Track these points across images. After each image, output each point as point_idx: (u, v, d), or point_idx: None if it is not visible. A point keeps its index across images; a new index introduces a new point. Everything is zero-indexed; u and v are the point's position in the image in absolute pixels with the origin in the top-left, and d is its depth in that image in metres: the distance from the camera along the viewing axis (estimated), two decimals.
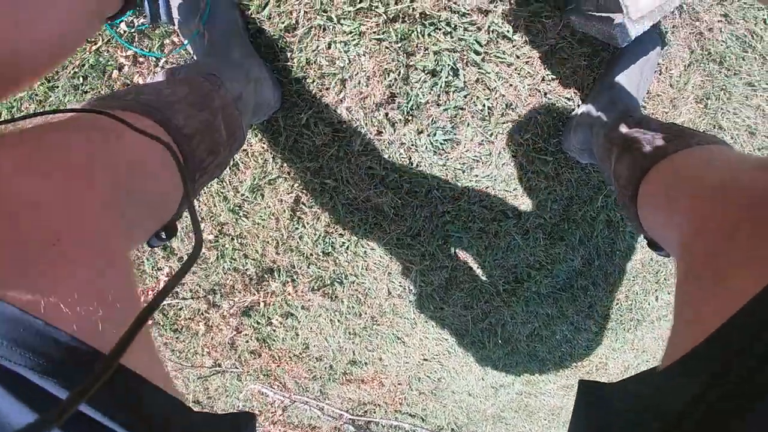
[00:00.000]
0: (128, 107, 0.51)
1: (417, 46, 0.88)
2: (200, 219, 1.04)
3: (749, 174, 0.47)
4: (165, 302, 1.10)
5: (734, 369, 0.31)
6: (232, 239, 1.08)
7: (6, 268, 0.28)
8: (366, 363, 1.29)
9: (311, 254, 1.11)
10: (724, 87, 0.96)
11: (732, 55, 0.93)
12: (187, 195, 0.41)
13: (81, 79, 0.90)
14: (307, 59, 0.89)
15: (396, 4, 0.84)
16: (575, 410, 0.46)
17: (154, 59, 0.87)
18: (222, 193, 1.02)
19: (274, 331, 1.20)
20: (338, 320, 1.21)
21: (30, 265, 0.29)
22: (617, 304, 1.17)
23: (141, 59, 0.87)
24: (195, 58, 0.84)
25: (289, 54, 0.88)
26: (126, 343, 0.24)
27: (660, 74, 0.94)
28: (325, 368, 1.28)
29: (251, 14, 0.85)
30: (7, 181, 0.31)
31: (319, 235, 1.08)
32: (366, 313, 1.20)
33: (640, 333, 1.21)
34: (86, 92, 0.89)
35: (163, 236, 0.53)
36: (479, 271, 1.15)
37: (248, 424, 0.41)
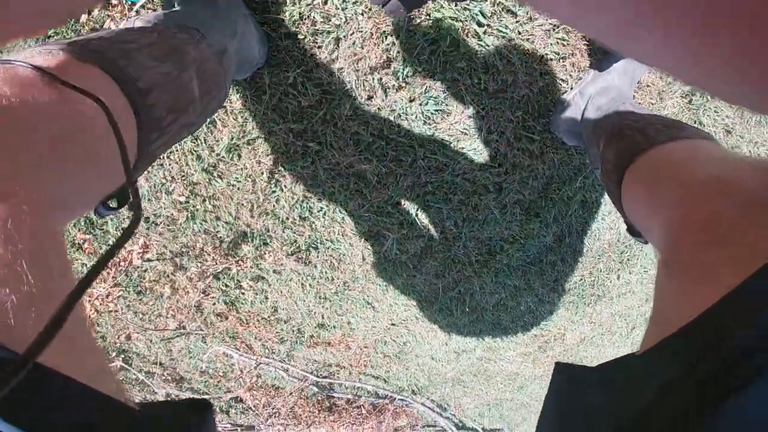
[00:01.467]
0: (72, 52, 0.44)
1: (419, 11, 0.83)
2: (171, 178, 0.96)
3: (737, 172, 0.48)
4: (131, 265, 1.03)
5: (702, 365, 0.32)
6: (204, 200, 1.02)
7: None
8: (334, 327, 1.29)
9: (287, 218, 1.07)
10: None
11: None
12: (125, 161, 0.36)
13: None
14: (300, 14, 0.82)
15: None
16: (551, 390, 0.47)
17: (129, 3, 0.77)
18: (195, 151, 0.95)
19: (243, 294, 1.16)
20: (310, 284, 1.19)
21: None
22: (581, 279, 1.23)
23: (114, 1, 0.77)
24: (176, 6, 0.75)
25: (280, 6, 0.81)
26: (43, 344, 0.20)
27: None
28: (293, 331, 1.27)
29: None
30: None
31: (297, 200, 1.04)
32: (338, 278, 1.19)
33: (599, 308, 1.28)
34: (49, 37, 0.78)
35: (112, 205, 0.47)
36: (454, 242, 1.16)
37: (204, 419, 0.37)
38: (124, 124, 0.44)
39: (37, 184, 0.34)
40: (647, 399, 0.33)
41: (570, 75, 0.93)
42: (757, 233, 0.39)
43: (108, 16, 0.78)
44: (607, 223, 1.14)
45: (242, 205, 1.03)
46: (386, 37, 0.85)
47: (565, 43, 0.89)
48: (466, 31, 0.86)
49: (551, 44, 0.89)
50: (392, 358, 1.39)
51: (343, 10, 0.82)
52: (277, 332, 1.24)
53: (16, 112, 0.35)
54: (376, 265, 1.18)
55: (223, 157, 0.96)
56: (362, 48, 0.86)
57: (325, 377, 1.37)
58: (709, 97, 0.99)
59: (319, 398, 1.46)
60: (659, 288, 0.49)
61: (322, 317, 1.25)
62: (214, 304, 1.16)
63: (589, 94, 0.90)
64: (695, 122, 1.01)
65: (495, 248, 1.17)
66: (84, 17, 0.78)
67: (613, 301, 1.28)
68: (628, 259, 1.20)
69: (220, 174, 0.98)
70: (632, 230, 0.71)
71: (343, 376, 1.40)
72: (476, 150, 1.01)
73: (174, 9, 0.76)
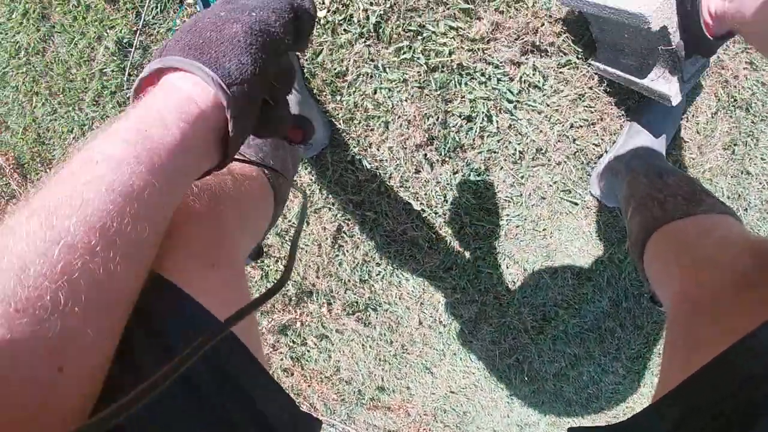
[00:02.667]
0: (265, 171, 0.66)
1: (454, 94, 0.97)
2: None
3: (734, 255, 0.53)
4: None
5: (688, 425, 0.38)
6: (277, 261, 1.17)
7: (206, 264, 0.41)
8: (394, 390, 1.33)
9: (349, 280, 1.19)
10: (751, 133, 0.99)
11: (758, 102, 0.97)
12: (294, 243, 0.52)
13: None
14: (355, 103, 0.99)
15: (436, 56, 0.94)
16: None
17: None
18: None
19: (308, 351, 1.26)
20: (370, 346, 1.27)
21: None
22: (645, 348, 1.18)
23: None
24: None
25: (339, 97, 0.99)
26: (237, 318, 0.33)
27: (687, 121, 0.99)
28: (354, 392, 1.32)
29: (306, 60, 0.97)
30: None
31: (357, 263, 1.16)
32: (397, 341, 1.26)
33: None
34: None
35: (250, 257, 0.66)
36: (508, 308, 1.19)
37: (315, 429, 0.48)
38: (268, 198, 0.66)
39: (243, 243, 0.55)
40: None
41: (602, 139, 0.99)
42: (741, 311, 0.44)
43: None
44: None
45: (309, 266, 1.17)
46: (428, 118, 0.99)
47: (592, 110, 0.97)
48: (499, 107, 0.98)
49: (579, 112, 0.97)
50: (453, 429, 1.37)
51: (389, 98, 0.98)
52: (338, 391, 1.31)
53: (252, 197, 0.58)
54: (432, 329, 1.23)
55: (293, 223, 1.12)
56: (408, 129, 1.01)
57: None
58: (753, 145, 0.99)
59: None
60: (664, 351, 0.54)
61: (382, 380, 1.30)
62: (281, 359, 1.27)
63: (621, 157, 0.95)
64: (742, 172, 1.01)
65: (549, 314, 1.18)
66: None
67: None
68: None
69: (291, 238, 1.14)
70: (654, 299, 0.74)
71: None
72: (520, 216, 1.08)
73: None
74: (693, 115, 0.98)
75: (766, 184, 1.02)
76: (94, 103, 1.04)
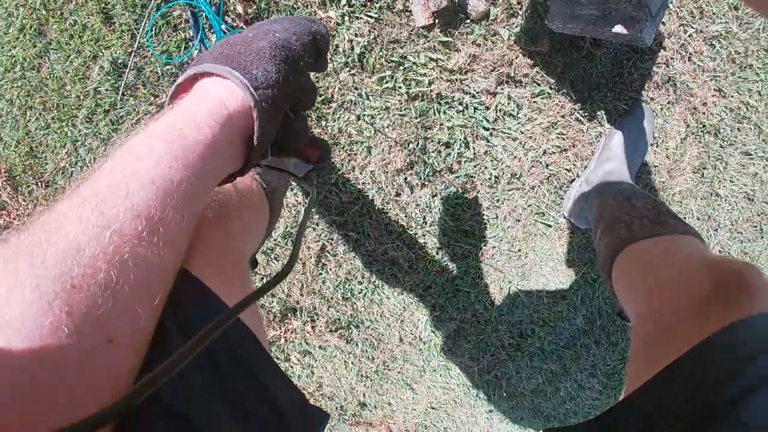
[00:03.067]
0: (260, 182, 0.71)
1: (434, 122, 1.02)
2: None
3: (692, 275, 0.58)
4: None
5: None
6: (262, 278, 1.20)
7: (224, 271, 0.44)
8: (375, 406, 1.36)
9: (332, 298, 1.22)
10: (720, 157, 1.05)
11: (727, 127, 1.03)
12: (297, 240, 0.55)
13: None
14: (339, 128, 1.03)
15: (416, 85, 0.99)
16: None
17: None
18: None
19: (292, 367, 1.29)
20: (352, 362, 1.29)
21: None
22: (621, 364, 1.22)
23: None
24: None
25: (324, 122, 1.03)
26: (244, 306, 0.37)
27: (656, 147, 1.04)
28: (336, 408, 1.35)
29: None
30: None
31: (340, 281, 1.19)
32: (378, 358, 1.29)
33: None
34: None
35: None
36: (486, 325, 1.23)
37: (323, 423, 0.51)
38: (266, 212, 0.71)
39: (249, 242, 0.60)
40: None
41: (574, 164, 1.04)
42: (697, 328, 0.49)
43: None
44: None
45: (293, 284, 1.20)
46: (408, 144, 1.03)
47: (564, 137, 1.02)
48: (475, 134, 1.03)
49: (552, 139, 1.02)
50: None
51: (372, 124, 1.02)
52: (321, 408, 1.33)
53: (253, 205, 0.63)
54: (412, 345, 1.27)
55: (279, 242, 1.15)
56: (389, 154, 1.05)
57: None
58: (722, 168, 1.04)
59: None
60: (627, 371, 0.60)
61: (364, 396, 1.33)
62: None
63: (592, 181, 1.00)
64: (711, 194, 1.06)
65: (526, 331, 1.22)
66: None
67: None
68: None
69: (276, 256, 1.17)
70: (622, 315, 0.78)
71: None
72: (496, 237, 1.12)
73: None
74: (662, 141, 1.04)
75: (735, 205, 1.08)
76: (88, 120, 1.07)
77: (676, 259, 0.65)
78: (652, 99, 1.00)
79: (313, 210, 1.09)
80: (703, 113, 1.02)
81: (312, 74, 0.65)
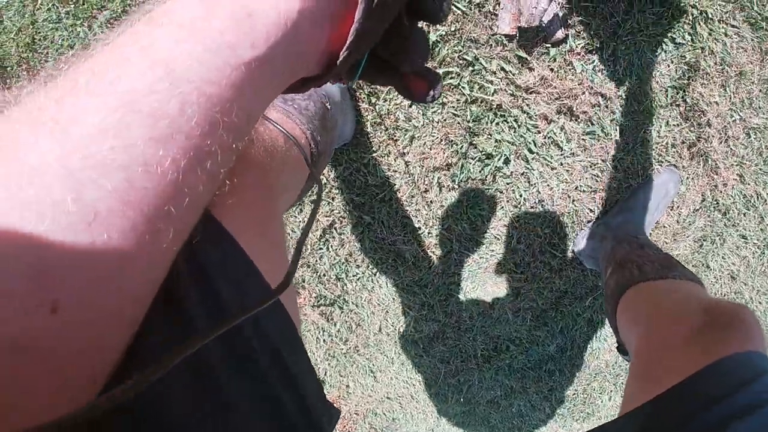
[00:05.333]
0: (292, 116, 0.62)
1: (484, 130, 1.00)
2: None
3: (691, 312, 0.62)
4: None
5: None
6: None
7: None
8: (332, 386, 1.35)
9: (324, 275, 1.18)
10: (720, 234, 1.13)
11: (736, 210, 1.11)
12: (318, 197, 0.51)
13: None
14: (388, 110, 0.99)
15: (480, 90, 0.97)
16: None
17: None
18: None
19: None
20: (324, 340, 1.27)
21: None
22: (575, 394, 1.31)
23: None
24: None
25: (374, 100, 0.98)
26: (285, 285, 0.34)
27: (671, 210, 1.10)
28: None
29: None
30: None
31: (339, 261, 1.16)
32: (352, 341, 1.28)
33: (586, 425, 1.34)
34: None
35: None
36: (465, 333, 1.25)
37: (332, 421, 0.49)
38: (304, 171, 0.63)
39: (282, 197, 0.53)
40: None
41: (597, 206, 1.08)
42: (690, 360, 0.53)
43: None
44: (608, 344, 1.24)
45: (289, 252, 1.15)
46: (452, 145, 1.01)
47: (598, 179, 1.05)
48: (519, 153, 1.03)
49: (587, 178, 1.05)
50: None
51: (423, 114, 0.99)
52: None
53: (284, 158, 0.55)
54: (389, 336, 1.27)
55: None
56: (430, 149, 1.02)
57: None
58: (719, 244, 1.13)
59: None
60: (625, 392, 0.64)
61: (325, 373, 1.32)
62: None
63: (611, 225, 1.04)
64: (703, 264, 1.15)
65: (501, 347, 1.27)
66: None
67: (600, 421, 1.34)
68: (623, 383, 1.29)
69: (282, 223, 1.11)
70: (621, 348, 0.83)
71: None
72: (504, 254, 1.14)
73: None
74: (678, 207, 1.10)
75: (719, 279, 1.17)
76: (108, 24, 0.94)
77: (678, 294, 0.71)
78: (684, 167, 1.05)
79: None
80: (721, 192, 1.09)
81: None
